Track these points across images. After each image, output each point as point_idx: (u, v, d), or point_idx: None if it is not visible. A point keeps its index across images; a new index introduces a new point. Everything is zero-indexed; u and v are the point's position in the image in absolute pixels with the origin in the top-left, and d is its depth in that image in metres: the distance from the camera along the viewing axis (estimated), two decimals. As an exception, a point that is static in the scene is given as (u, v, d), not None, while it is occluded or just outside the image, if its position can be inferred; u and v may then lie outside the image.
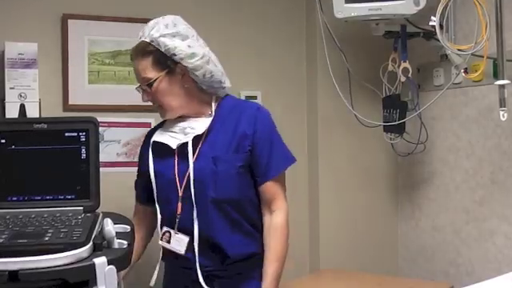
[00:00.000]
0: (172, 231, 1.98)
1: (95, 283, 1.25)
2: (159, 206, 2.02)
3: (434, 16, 2.25)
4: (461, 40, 2.50)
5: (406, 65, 2.67)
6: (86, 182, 1.60)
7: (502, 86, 2.24)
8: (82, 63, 2.64)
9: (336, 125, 2.99)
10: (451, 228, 2.81)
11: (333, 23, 2.64)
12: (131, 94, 2.78)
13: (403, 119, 2.74)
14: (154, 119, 2.76)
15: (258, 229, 2.03)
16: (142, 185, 2.10)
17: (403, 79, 2.69)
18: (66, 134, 1.62)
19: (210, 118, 2.00)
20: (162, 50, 1.92)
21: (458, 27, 2.60)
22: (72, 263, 1.24)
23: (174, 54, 1.93)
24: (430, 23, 2.28)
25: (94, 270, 1.25)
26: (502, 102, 2.24)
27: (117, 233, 1.39)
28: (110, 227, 1.37)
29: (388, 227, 3.07)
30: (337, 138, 3.00)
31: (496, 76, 2.35)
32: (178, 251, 1.96)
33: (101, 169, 1.65)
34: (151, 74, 1.95)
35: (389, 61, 2.76)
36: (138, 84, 2.02)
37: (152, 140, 2.03)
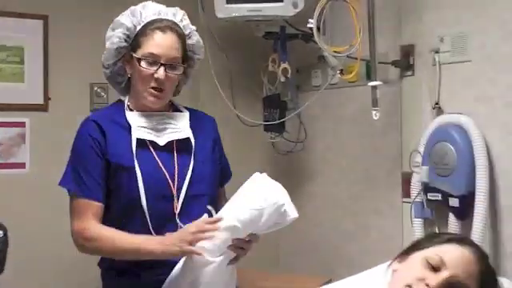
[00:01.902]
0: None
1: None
2: (140, 206, 1.80)
3: (312, 18, 2.32)
4: (337, 42, 2.60)
5: (286, 65, 2.72)
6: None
7: (375, 87, 2.35)
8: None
9: (218, 124, 3.00)
10: (330, 223, 2.90)
11: (215, 23, 2.65)
12: (4, 92, 2.64)
13: (283, 118, 2.80)
14: (28, 118, 2.65)
15: None
16: (101, 178, 1.82)
17: (283, 79, 2.74)
18: None
19: (184, 114, 1.93)
20: (188, 42, 1.89)
21: (335, 30, 2.69)
22: None
23: (194, 52, 1.93)
24: (308, 25, 2.34)
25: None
26: (375, 102, 2.36)
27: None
28: (-20, 234, 1.29)
29: (270, 224, 3.12)
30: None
31: (369, 77, 2.46)
32: None
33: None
34: (180, 58, 1.85)
35: (269, 61, 2.81)
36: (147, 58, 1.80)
37: (135, 137, 1.81)
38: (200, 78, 2.96)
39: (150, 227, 1.79)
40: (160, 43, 1.80)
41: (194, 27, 1.93)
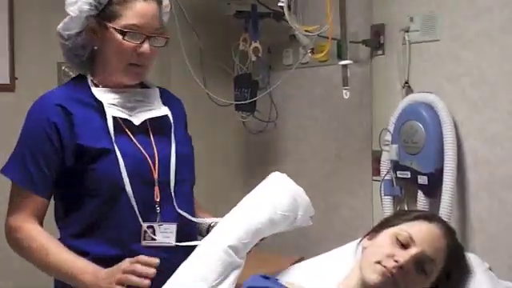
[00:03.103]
0: (155, 224, 1.60)
1: None
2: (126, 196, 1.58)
3: (283, -3, 2.31)
4: (308, 21, 2.60)
5: (257, 44, 2.72)
6: None
7: (345, 66, 2.36)
8: None
9: (188, 103, 2.97)
10: (301, 202, 2.92)
11: (185, 1, 2.63)
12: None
13: (254, 98, 2.80)
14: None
15: None
16: (51, 171, 1.59)
17: (254, 59, 2.74)
18: None
19: (154, 90, 1.73)
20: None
21: (306, 9, 2.68)
22: None
23: (162, 16, 1.70)
24: (279, 4, 2.33)
25: None
26: (345, 81, 2.37)
27: None
28: None
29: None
30: (189, 116, 3.00)
31: (340, 56, 2.47)
32: (167, 244, 1.60)
33: None
34: (160, 27, 1.64)
35: (240, 40, 2.80)
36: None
37: (111, 115, 1.60)
38: (170, 57, 2.94)
39: (138, 215, 1.58)
40: (142, 12, 1.58)
41: None
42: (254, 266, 2.18)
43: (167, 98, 1.78)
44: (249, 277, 1.54)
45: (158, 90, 1.74)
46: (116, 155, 1.57)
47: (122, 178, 1.56)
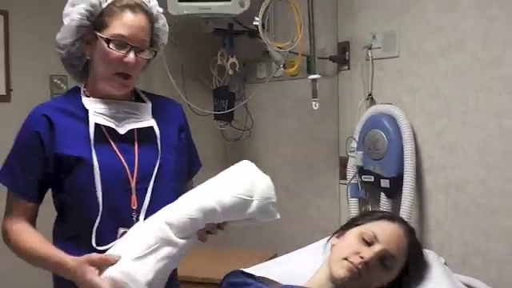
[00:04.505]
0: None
1: None
2: (96, 202, 1.50)
3: (257, 16, 2.35)
4: (280, 39, 2.64)
5: (234, 60, 2.74)
6: None
7: (314, 80, 2.41)
8: None
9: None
10: (274, 204, 2.94)
11: (167, 19, 2.64)
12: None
13: (231, 108, 2.83)
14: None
15: None
16: (38, 177, 1.54)
17: (231, 72, 2.76)
18: None
19: (146, 105, 1.64)
20: (154, 25, 1.61)
21: (278, 27, 2.73)
22: None
23: (158, 37, 1.64)
24: (254, 23, 2.38)
25: None
26: (314, 94, 2.41)
27: None
28: None
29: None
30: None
31: (309, 71, 2.51)
32: None
33: None
34: (148, 41, 1.58)
35: (218, 56, 2.83)
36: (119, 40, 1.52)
37: (93, 122, 1.52)
38: (153, 71, 2.94)
39: (104, 225, 1.50)
40: (130, 24, 1.51)
41: (161, 9, 1.65)
42: (231, 261, 2.19)
43: (162, 107, 1.69)
44: (228, 271, 1.55)
45: (149, 106, 1.65)
46: (93, 164, 1.49)
47: (95, 189, 1.49)
